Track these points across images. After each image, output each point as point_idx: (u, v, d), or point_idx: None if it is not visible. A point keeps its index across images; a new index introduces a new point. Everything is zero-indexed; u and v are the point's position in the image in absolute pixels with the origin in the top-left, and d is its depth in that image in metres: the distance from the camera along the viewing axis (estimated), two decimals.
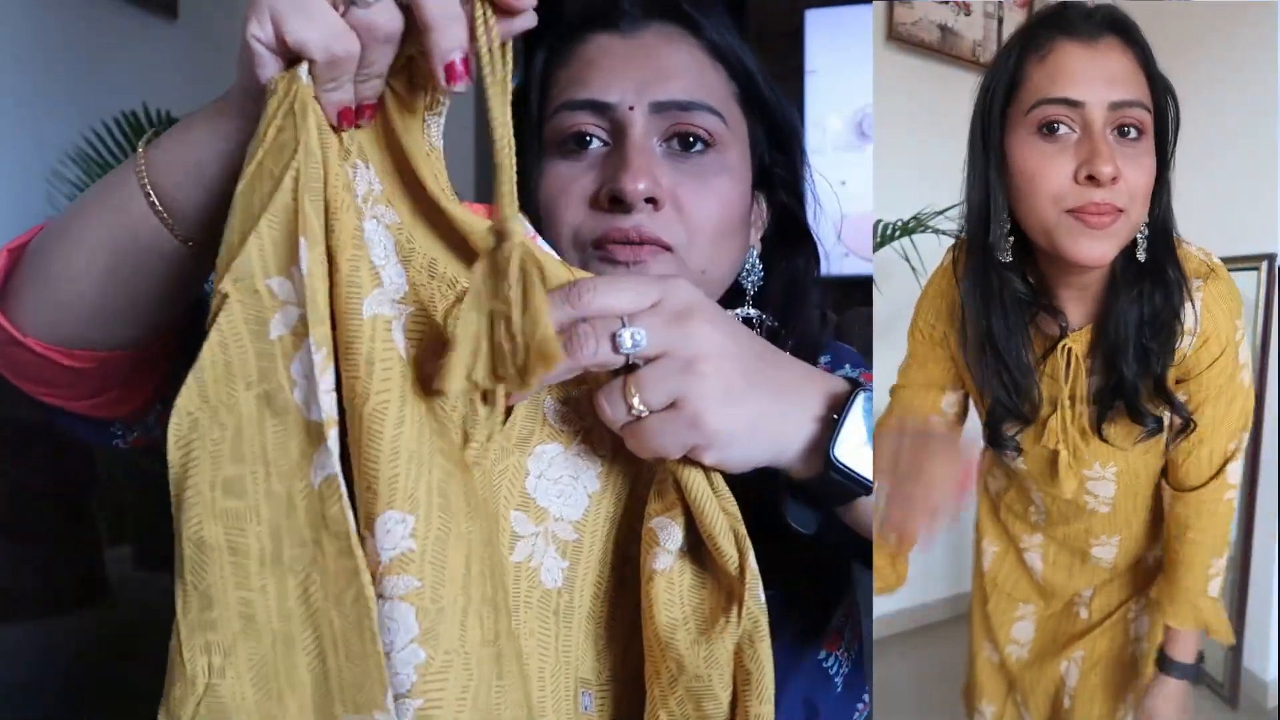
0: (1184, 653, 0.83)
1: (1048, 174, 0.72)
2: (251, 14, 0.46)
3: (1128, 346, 0.74)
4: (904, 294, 1.20)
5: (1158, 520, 0.85)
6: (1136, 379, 0.75)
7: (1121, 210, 0.71)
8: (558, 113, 0.71)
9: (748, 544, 0.50)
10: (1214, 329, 0.76)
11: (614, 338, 0.47)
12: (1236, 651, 1.38)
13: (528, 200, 0.72)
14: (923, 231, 1.21)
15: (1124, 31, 0.72)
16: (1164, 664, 0.83)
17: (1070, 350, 0.77)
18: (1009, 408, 0.77)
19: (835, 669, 0.75)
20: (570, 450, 0.53)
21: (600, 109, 0.69)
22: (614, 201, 0.67)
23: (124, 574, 1.83)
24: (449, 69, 0.45)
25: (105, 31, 2.47)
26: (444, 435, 0.48)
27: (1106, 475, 0.81)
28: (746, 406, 0.48)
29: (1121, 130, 0.72)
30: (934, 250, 0.93)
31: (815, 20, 2.90)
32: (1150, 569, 0.87)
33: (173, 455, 0.46)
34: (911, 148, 1.39)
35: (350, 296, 0.45)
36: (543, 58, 0.74)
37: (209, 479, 0.46)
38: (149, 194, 0.52)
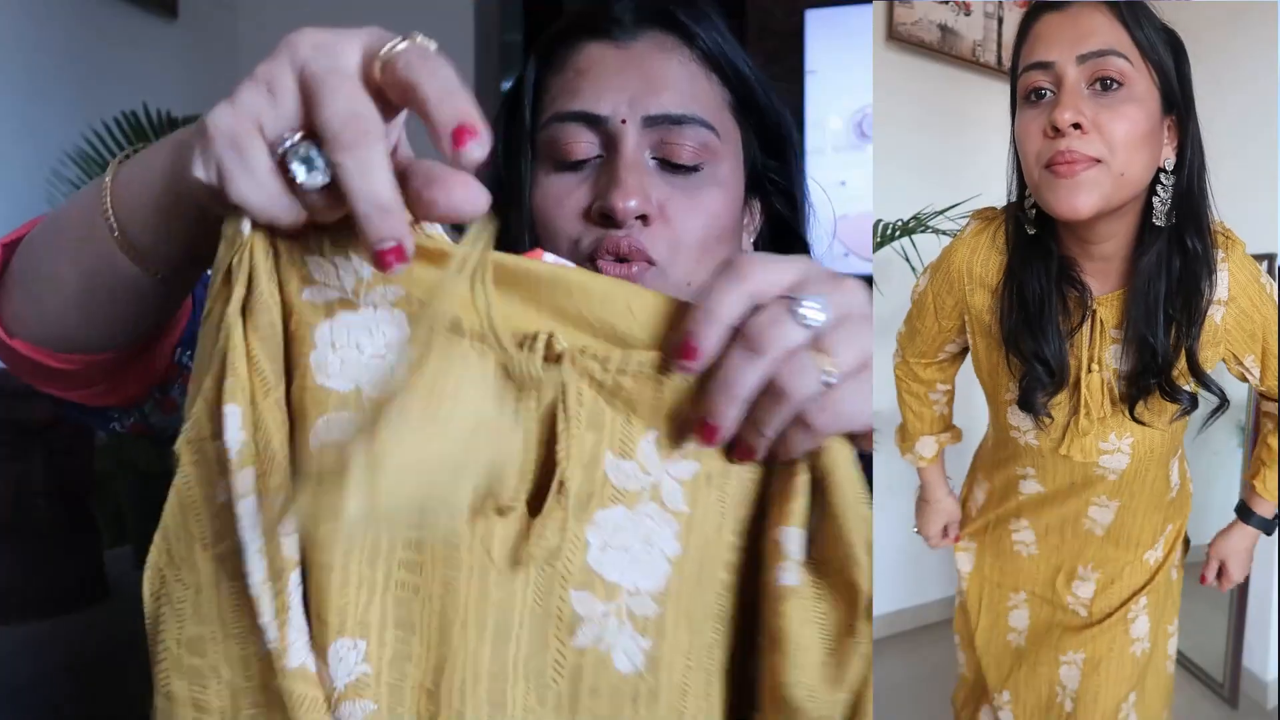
0: (1267, 510, 0.87)
1: (1028, 135, 0.75)
2: (196, 151, 0.42)
3: (1153, 316, 0.75)
4: (904, 294, 1.20)
5: (1159, 499, 0.86)
6: (1168, 354, 0.75)
7: (1097, 160, 0.72)
8: (550, 124, 0.70)
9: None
10: (1239, 291, 0.78)
11: (793, 313, 0.43)
12: (1236, 651, 1.38)
13: (520, 207, 0.72)
14: (922, 231, 1.21)
15: None
16: (1245, 514, 0.88)
17: (1096, 314, 0.78)
18: (1043, 376, 0.78)
19: None
20: (638, 511, 0.46)
21: (592, 121, 0.69)
22: (605, 218, 0.67)
23: (124, 574, 1.83)
24: (378, 257, 0.40)
25: (105, 31, 2.47)
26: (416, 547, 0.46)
27: (1122, 448, 0.81)
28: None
29: (1103, 83, 0.72)
30: (934, 250, 0.93)
31: (815, 20, 2.90)
32: (1150, 569, 0.87)
33: (148, 607, 0.46)
34: (911, 148, 1.40)
35: (300, 428, 0.44)
36: (535, 63, 0.74)
37: (175, 636, 0.45)
38: (113, 229, 0.50)
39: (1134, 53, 0.73)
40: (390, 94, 0.41)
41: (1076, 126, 0.71)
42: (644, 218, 0.67)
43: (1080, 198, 0.72)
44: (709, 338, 0.43)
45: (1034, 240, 0.78)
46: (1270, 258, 0.95)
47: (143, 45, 2.58)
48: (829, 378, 0.43)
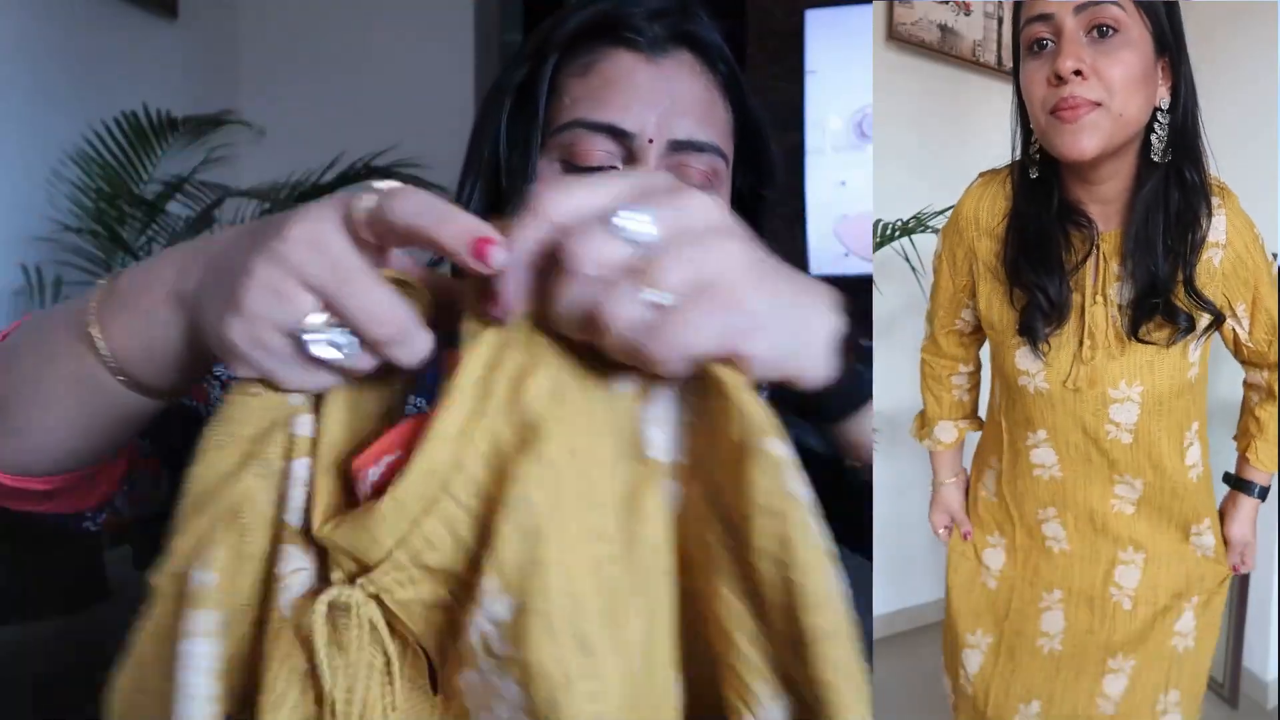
0: (1263, 478, 0.90)
1: (1033, 84, 0.81)
2: (233, 361, 0.42)
3: (1153, 247, 0.80)
4: (904, 294, 1.20)
5: (1178, 467, 0.86)
6: (1167, 280, 0.80)
7: (1098, 103, 0.78)
8: (571, 128, 0.69)
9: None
10: (1235, 235, 0.82)
11: (609, 228, 0.37)
12: (1236, 651, 1.38)
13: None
14: (923, 231, 1.21)
15: None
16: (1244, 487, 0.90)
17: (1100, 249, 0.83)
18: (1043, 303, 0.82)
19: None
20: None
21: (619, 135, 0.68)
22: None
23: (124, 574, 1.83)
24: (473, 251, 0.39)
25: (105, 31, 2.47)
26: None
27: (1132, 395, 0.83)
28: (778, 286, 0.40)
29: (1100, 30, 0.78)
30: (934, 250, 0.93)
31: (815, 20, 2.89)
32: (1189, 568, 0.88)
33: None
34: (911, 148, 1.40)
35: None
36: (554, 60, 0.73)
37: None
38: (115, 371, 0.49)
39: (1127, 1, 0.78)
40: (388, 243, 0.41)
41: (1078, 74, 0.77)
42: None
43: (1084, 139, 0.78)
44: (505, 281, 0.38)
45: (1038, 182, 0.84)
46: (1270, 257, 0.95)
47: (143, 45, 2.58)
48: (656, 298, 0.36)
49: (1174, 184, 0.81)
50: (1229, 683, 1.39)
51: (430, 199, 0.40)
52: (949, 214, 0.93)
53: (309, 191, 2.44)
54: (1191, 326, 0.82)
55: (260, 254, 0.41)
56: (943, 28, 1.56)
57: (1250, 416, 0.90)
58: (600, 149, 0.68)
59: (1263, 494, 0.90)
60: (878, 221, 1.18)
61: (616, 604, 0.38)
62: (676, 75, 0.71)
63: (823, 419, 0.53)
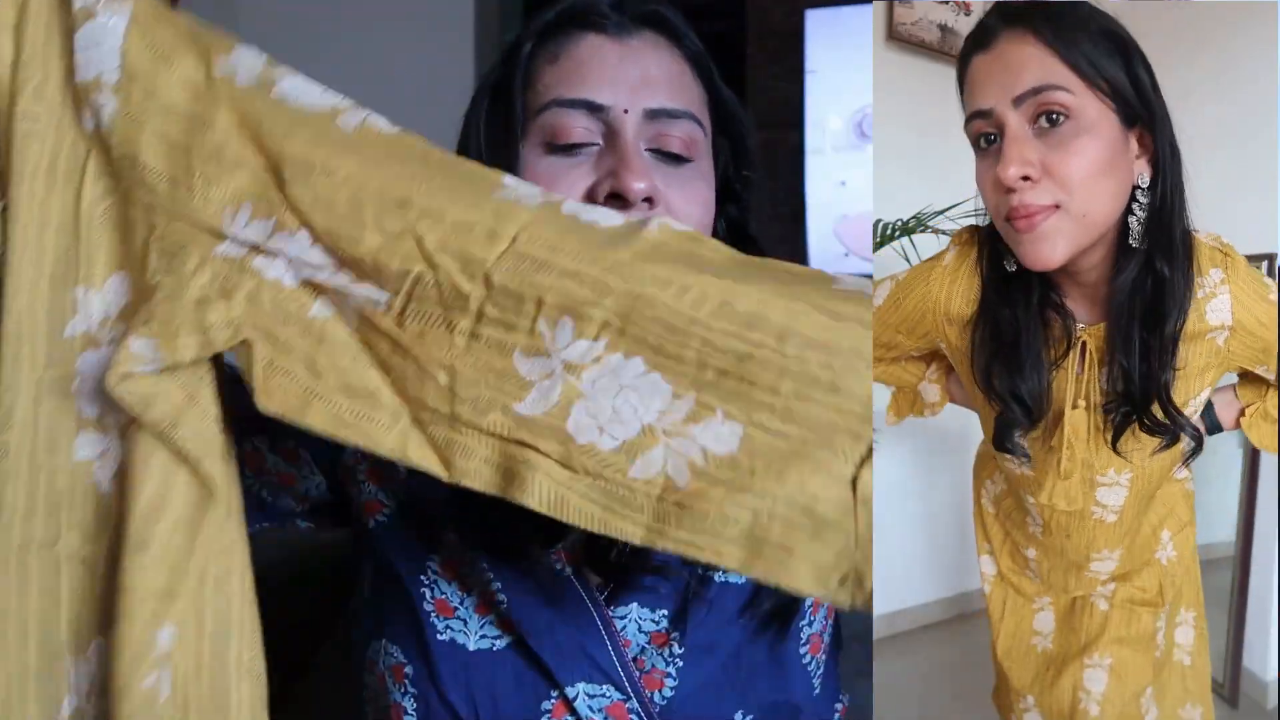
0: (1228, 424, 0.83)
1: (985, 187, 0.70)
2: None
3: (1129, 343, 0.71)
4: None
5: (1155, 522, 0.86)
6: (1144, 381, 0.71)
7: (1056, 206, 0.67)
8: (547, 109, 0.71)
9: None
10: (1244, 313, 0.73)
11: None
12: (1236, 651, 1.38)
13: None
14: (923, 231, 1.21)
15: (1022, 21, 0.69)
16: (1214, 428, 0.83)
17: (1085, 345, 0.74)
18: (1022, 412, 0.73)
19: (816, 670, 0.76)
20: None
21: (595, 109, 0.70)
22: (612, 198, 0.67)
23: None
24: None
25: None
26: None
27: (1121, 481, 0.79)
28: None
29: (1048, 118, 0.67)
30: (934, 250, 0.93)
31: (815, 20, 2.89)
32: (1176, 579, 0.88)
33: None
34: (911, 148, 1.40)
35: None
36: (528, 51, 0.74)
37: None
38: None
39: (1072, 79, 0.67)
40: None
41: (1025, 179, 0.66)
42: (650, 201, 0.68)
43: (1045, 249, 0.67)
44: None
45: (1013, 274, 0.73)
46: (1270, 258, 0.95)
47: None
48: None
49: (1147, 275, 0.70)
50: (1229, 683, 1.39)
51: None
52: (949, 214, 0.93)
53: None
54: (1176, 439, 0.74)
55: None
56: (943, 28, 1.56)
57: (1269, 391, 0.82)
58: (579, 125, 0.69)
59: (1214, 428, 0.83)
60: (878, 221, 1.18)
61: None
62: (645, 52, 0.72)
63: None
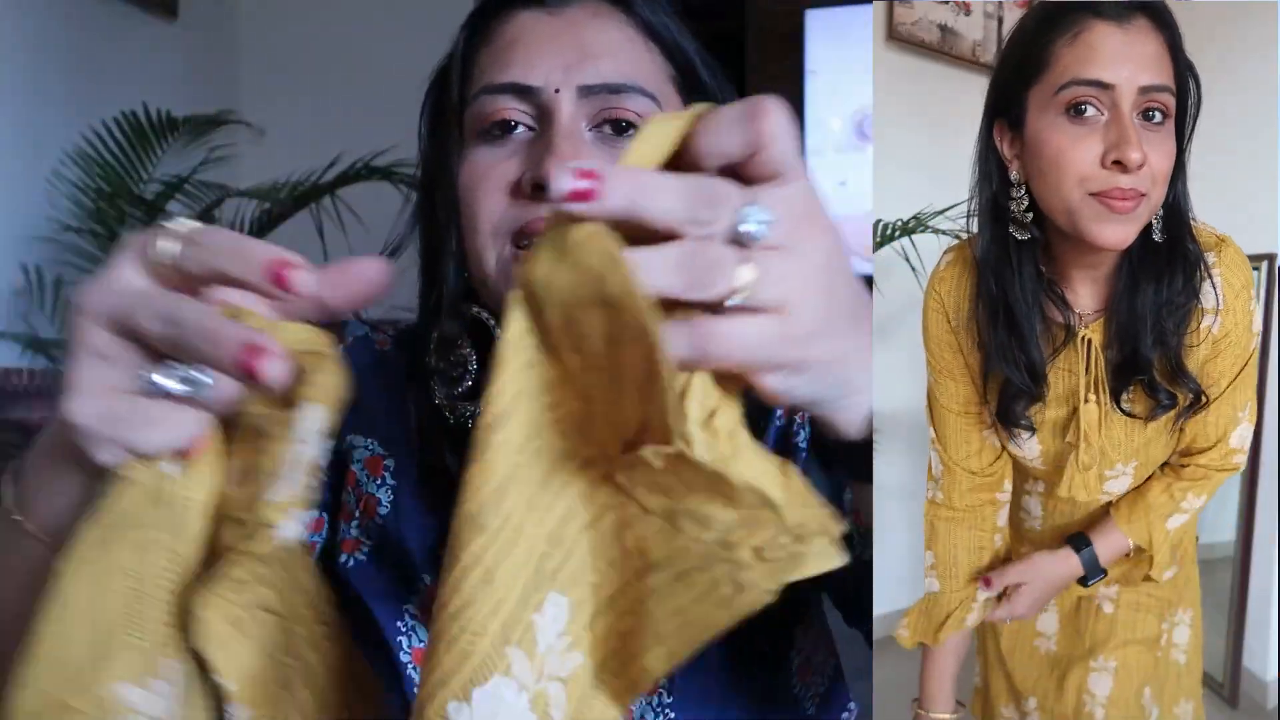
0: (1106, 556, 0.81)
1: (1074, 156, 0.72)
2: (94, 447, 0.40)
3: (1145, 328, 0.75)
4: (904, 294, 1.20)
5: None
6: (1151, 355, 0.75)
7: (1144, 194, 0.71)
8: (479, 97, 0.66)
9: None
10: (1233, 299, 0.77)
11: (736, 213, 0.35)
12: (1236, 651, 1.38)
13: (448, 190, 0.68)
14: (923, 231, 1.20)
15: (1156, 13, 0.73)
16: (1078, 545, 0.81)
17: (1090, 341, 0.76)
18: (1021, 384, 0.76)
19: (806, 694, 0.74)
20: None
21: (524, 93, 0.65)
22: (537, 189, 0.62)
23: None
24: (275, 280, 0.39)
25: (105, 31, 2.47)
26: None
27: (1127, 471, 0.80)
28: (843, 335, 0.39)
29: (1147, 114, 0.72)
30: (934, 250, 0.93)
31: (815, 20, 2.90)
32: (1179, 584, 0.88)
33: None
34: (911, 148, 1.39)
35: None
36: (464, 36, 0.70)
37: None
38: (49, 543, 0.45)
39: (1174, 85, 0.72)
40: (196, 286, 0.40)
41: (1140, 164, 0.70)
42: None
43: (1127, 230, 0.71)
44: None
45: (1022, 245, 0.76)
46: (1270, 258, 0.95)
47: (143, 45, 2.58)
48: (731, 298, 0.36)
49: (1175, 264, 0.75)
50: (1229, 683, 1.39)
51: (226, 236, 0.40)
52: (949, 214, 0.93)
53: (309, 191, 2.44)
54: (1173, 403, 0.77)
55: (72, 331, 0.40)
56: (943, 28, 1.56)
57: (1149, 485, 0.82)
58: (509, 110, 0.65)
59: (1091, 564, 0.82)
60: (878, 222, 1.18)
61: None
62: (582, 23, 0.67)
63: (850, 472, 0.51)
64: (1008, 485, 0.83)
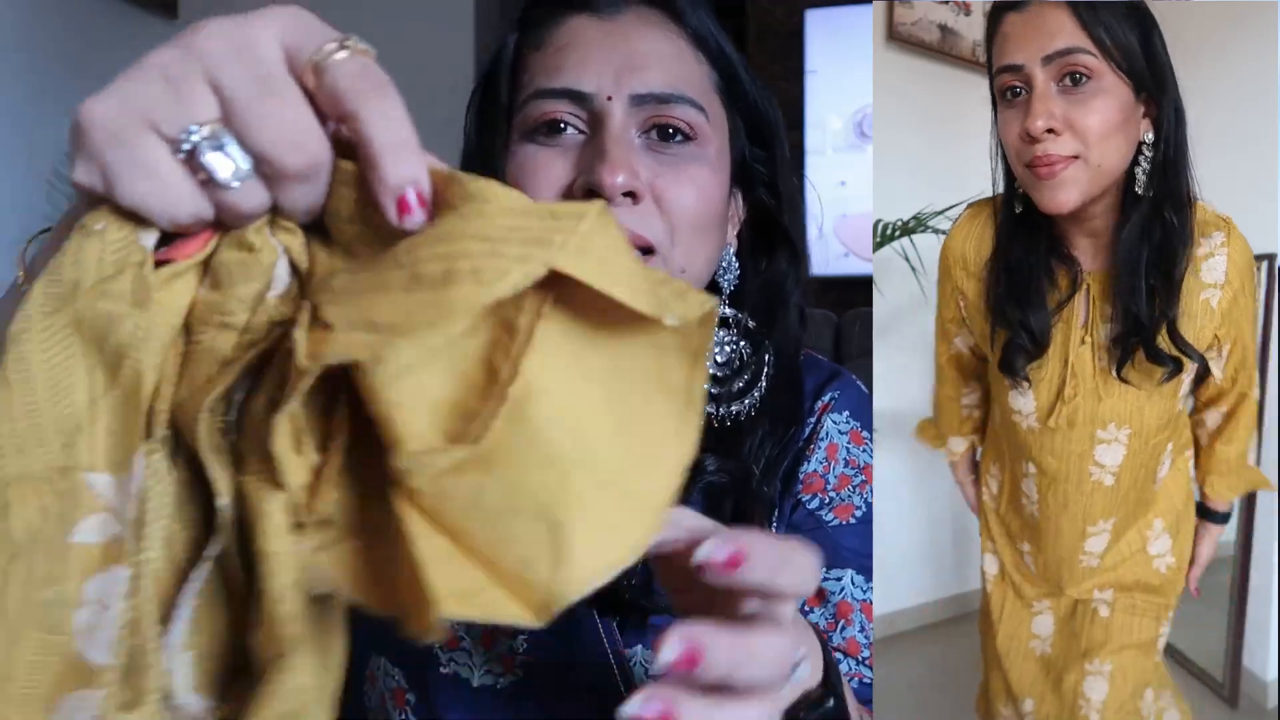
0: (1225, 506, 0.90)
1: (1008, 135, 0.78)
2: (77, 155, 0.34)
3: (1136, 286, 0.78)
4: (904, 294, 1.20)
5: (1145, 507, 0.86)
6: (1150, 319, 0.78)
7: (1075, 157, 0.75)
8: (531, 100, 0.67)
9: None
10: (1235, 274, 0.80)
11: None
12: (1236, 651, 1.38)
13: None
14: (922, 231, 1.21)
15: None
16: (1211, 515, 0.90)
17: (1089, 288, 0.81)
18: (1029, 338, 0.80)
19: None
20: None
21: (577, 98, 0.65)
22: (590, 195, 0.62)
23: None
24: (400, 204, 0.33)
25: (104, 31, 2.47)
26: None
27: (1120, 437, 0.82)
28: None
29: (1072, 78, 0.75)
30: (934, 250, 0.94)
31: (815, 20, 2.90)
32: (1165, 584, 0.88)
33: None
34: (911, 148, 1.39)
35: None
36: (514, 39, 0.71)
37: None
38: None
39: (1094, 46, 0.75)
40: (323, 107, 0.34)
41: (1050, 131, 0.75)
42: (633, 195, 0.63)
43: (1061, 194, 0.76)
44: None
45: (1023, 217, 0.82)
46: (1270, 258, 0.95)
47: (142, 45, 2.57)
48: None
49: (1156, 222, 0.78)
50: (1229, 683, 1.39)
51: (402, 111, 0.34)
52: (949, 214, 0.94)
53: None
54: (1178, 370, 0.79)
55: (167, 45, 0.35)
56: (943, 28, 1.56)
57: (1203, 453, 0.89)
58: (562, 114, 0.65)
59: (1224, 519, 0.90)
60: (878, 221, 1.18)
61: None
62: (633, 31, 0.68)
63: None
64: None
